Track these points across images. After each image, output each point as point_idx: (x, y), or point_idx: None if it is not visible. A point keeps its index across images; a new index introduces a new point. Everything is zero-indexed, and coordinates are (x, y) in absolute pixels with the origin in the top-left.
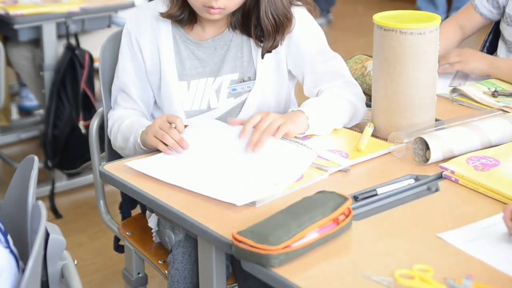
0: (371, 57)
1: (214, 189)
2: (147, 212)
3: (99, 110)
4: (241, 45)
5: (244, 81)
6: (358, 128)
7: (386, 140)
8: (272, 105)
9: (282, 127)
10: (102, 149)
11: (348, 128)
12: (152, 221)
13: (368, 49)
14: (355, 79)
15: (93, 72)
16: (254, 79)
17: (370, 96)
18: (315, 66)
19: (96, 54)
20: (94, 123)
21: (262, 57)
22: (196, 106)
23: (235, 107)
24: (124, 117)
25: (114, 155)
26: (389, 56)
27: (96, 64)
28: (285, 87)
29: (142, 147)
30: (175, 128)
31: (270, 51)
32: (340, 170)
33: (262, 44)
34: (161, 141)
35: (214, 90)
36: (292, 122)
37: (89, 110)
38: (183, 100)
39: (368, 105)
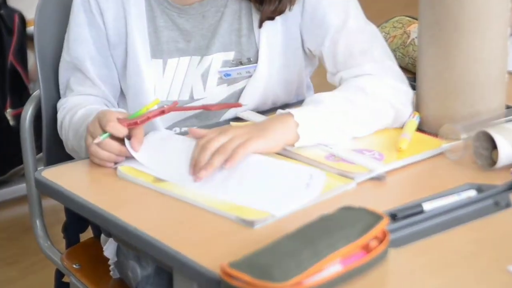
0: (416, 19)
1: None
2: (102, 236)
3: (35, 93)
4: (239, 13)
5: (241, 63)
6: None
7: (436, 135)
8: (280, 96)
9: (242, 147)
10: (39, 148)
11: None
12: (109, 249)
13: (412, 8)
14: (394, 50)
15: (25, 40)
16: (256, 62)
17: (414, 74)
18: (336, 43)
19: (30, 14)
20: (28, 111)
21: (260, 26)
22: (173, 95)
23: (228, 97)
24: (78, 107)
25: (56, 156)
26: (442, 18)
27: (30, 29)
28: (297, 72)
29: None
30: (103, 136)
31: (272, 18)
32: (372, 178)
33: (261, 8)
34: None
35: (199, 73)
36: (262, 137)
37: (19, 93)
38: (155, 85)
39: (412, 86)
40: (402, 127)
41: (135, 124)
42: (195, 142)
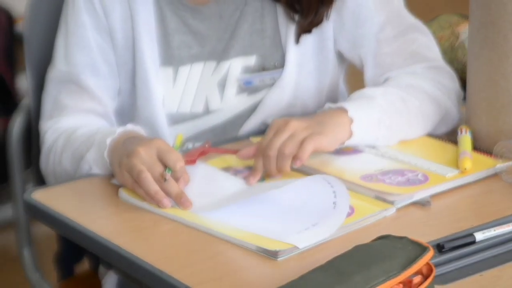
0: (467, 18)
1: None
2: (101, 268)
3: (24, 102)
4: (261, 11)
5: (264, 69)
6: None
7: (490, 153)
8: (310, 107)
9: (306, 144)
10: (27, 164)
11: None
12: (109, 282)
13: (461, 5)
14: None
15: (13, 41)
16: (282, 67)
17: (464, 81)
18: (382, 43)
19: (18, 11)
20: (16, 123)
21: (297, 41)
22: (185, 106)
23: (249, 108)
24: (76, 127)
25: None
26: (497, 18)
27: (18, 27)
28: (329, 77)
29: (110, 165)
30: (168, 174)
31: (309, 31)
32: (414, 202)
33: (296, 18)
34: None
35: (215, 81)
36: (325, 134)
37: (6, 102)
38: (165, 96)
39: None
40: (447, 133)
41: (191, 163)
42: (212, 170)
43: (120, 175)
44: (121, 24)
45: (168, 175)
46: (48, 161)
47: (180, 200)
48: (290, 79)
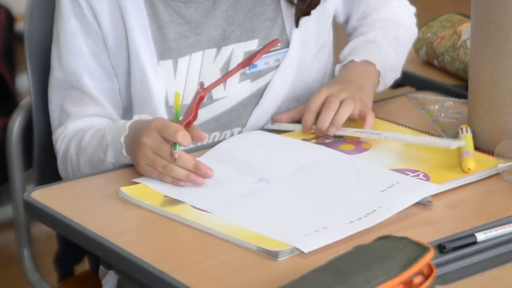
0: (469, 17)
1: (267, 224)
2: (101, 268)
3: (24, 101)
4: None
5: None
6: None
7: (492, 153)
8: (313, 87)
9: (368, 114)
10: (28, 164)
11: (422, 132)
12: (109, 283)
13: (463, 4)
14: (442, 53)
15: (12, 39)
16: (285, 47)
17: (465, 81)
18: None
19: (19, 10)
20: (15, 123)
21: (296, 25)
22: (189, 97)
23: (252, 96)
24: (83, 131)
25: (48, 175)
26: (499, 17)
27: (19, 26)
28: (327, 54)
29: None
30: (177, 148)
31: (308, 13)
32: (416, 202)
33: (295, 1)
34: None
35: (218, 68)
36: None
37: (6, 101)
38: (167, 90)
39: (463, 95)
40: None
41: (190, 123)
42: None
43: (143, 171)
44: (112, 26)
45: (176, 153)
46: (67, 169)
47: (199, 172)
48: (295, 59)
